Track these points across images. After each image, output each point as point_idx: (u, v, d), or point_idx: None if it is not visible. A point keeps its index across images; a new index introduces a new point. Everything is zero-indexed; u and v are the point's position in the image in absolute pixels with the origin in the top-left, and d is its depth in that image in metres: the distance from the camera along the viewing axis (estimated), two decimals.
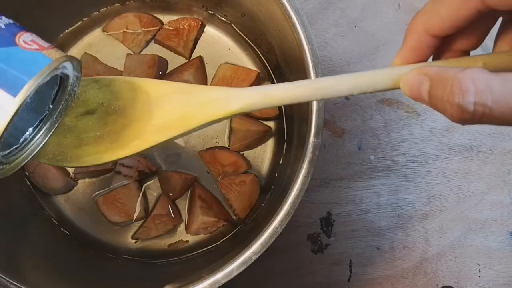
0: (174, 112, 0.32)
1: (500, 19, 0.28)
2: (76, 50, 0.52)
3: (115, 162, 0.51)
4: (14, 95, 0.25)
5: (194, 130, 0.31)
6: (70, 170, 0.51)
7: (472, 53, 0.29)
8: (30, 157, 0.30)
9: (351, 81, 0.28)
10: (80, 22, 0.53)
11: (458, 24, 0.26)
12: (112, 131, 0.33)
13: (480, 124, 0.23)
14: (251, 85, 0.51)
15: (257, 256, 0.36)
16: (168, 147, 0.52)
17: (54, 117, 0.30)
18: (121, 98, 0.33)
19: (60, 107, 0.30)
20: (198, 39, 0.53)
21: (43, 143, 0.30)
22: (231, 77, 0.52)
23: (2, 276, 0.37)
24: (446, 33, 0.27)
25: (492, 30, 0.28)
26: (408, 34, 0.28)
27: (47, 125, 0.30)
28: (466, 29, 0.27)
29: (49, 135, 0.30)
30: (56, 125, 0.30)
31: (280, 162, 0.52)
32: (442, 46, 0.28)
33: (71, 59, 0.28)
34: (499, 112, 0.22)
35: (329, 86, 0.29)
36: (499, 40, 0.28)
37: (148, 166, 0.50)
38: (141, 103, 0.32)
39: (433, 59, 0.29)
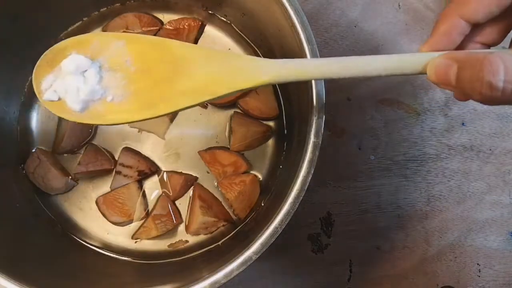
0: (202, 77, 0.31)
1: None
2: None
3: (115, 162, 0.51)
4: None
5: (221, 97, 0.31)
6: (70, 170, 0.51)
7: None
8: None
9: (380, 63, 0.29)
10: (80, 22, 0.53)
11: (491, 10, 0.27)
12: (136, 90, 0.32)
13: (508, 104, 0.24)
14: None
15: (257, 256, 0.36)
16: (168, 147, 0.52)
17: None
18: (146, 57, 0.32)
19: None
20: (198, 39, 0.53)
21: None
22: None
23: (2, 276, 0.37)
24: (480, 18, 0.28)
25: None
26: (440, 21, 0.29)
27: None
28: (494, 21, 0.29)
29: None
30: None
31: (280, 162, 0.52)
32: (466, 38, 0.30)
33: None
34: None
35: (358, 66, 0.29)
36: None
37: (148, 166, 0.50)
38: (168, 65, 0.31)
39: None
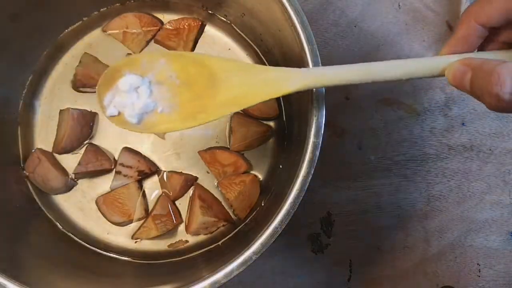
0: (236, 88, 0.34)
1: None
2: (76, 50, 0.52)
3: (115, 162, 0.51)
4: None
5: (253, 105, 0.34)
6: (70, 170, 0.51)
7: None
8: None
9: (400, 67, 0.31)
10: (80, 22, 0.53)
11: (506, 16, 0.28)
12: (181, 102, 0.36)
13: None
14: None
15: (257, 256, 0.36)
16: (168, 147, 0.52)
17: None
18: (187, 72, 0.35)
19: None
20: (198, 39, 0.53)
21: None
22: None
23: (2, 276, 0.37)
24: (495, 23, 0.29)
25: None
26: (459, 25, 0.30)
27: None
28: None
29: None
30: None
31: (280, 162, 0.52)
32: (488, 38, 0.30)
33: None
34: None
35: (380, 71, 0.31)
36: None
37: (148, 166, 0.50)
38: (206, 79, 0.35)
39: (478, 50, 0.31)
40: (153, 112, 0.36)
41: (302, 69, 0.33)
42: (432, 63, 0.30)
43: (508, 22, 0.29)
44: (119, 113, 0.36)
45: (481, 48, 0.31)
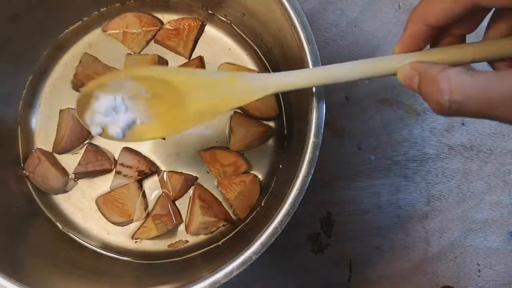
0: (204, 101, 0.35)
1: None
2: (76, 50, 0.53)
3: (115, 162, 0.51)
4: None
5: (223, 113, 0.36)
6: (70, 170, 0.51)
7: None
8: None
9: (359, 68, 0.32)
10: (80, 22, 0.53)
11: (451, 17, 0.29)
12: (157, 113, 0.37)
13: (459, 116, 0.26)
14: None
15: (257, 256, 0.36)
16: (168, 147, 0.52)
17: None
18: (155, 88, 0.36)
19: None
20: (198, 39, 0.53)
21: None
22: None
23: (2, 276, 0.37)
24: (441, 24, 0.29)
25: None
26: (408, 23, 0.31)
27: None
28: (461, 19, 0.29)
29: None
30: None
31: (280, 162, 0.52)
32: (440, 33, 0.31)
33: None
34: (470, 106, 0.25)
35: (340, 73, 0.33)
36: (490, 28, 0.30)
37: (148, 166, 0.50)
38: (173, 94, 0.36)
39: (431, 44, 0.32)
40: (134, 125, 0.37)
41: (265, 74, 0.35)
42: (387, 63, 0.32)
43: (451, 21, 0.29)
44: (104, 130, 0.38)
45: (435, 43, 0.32)
